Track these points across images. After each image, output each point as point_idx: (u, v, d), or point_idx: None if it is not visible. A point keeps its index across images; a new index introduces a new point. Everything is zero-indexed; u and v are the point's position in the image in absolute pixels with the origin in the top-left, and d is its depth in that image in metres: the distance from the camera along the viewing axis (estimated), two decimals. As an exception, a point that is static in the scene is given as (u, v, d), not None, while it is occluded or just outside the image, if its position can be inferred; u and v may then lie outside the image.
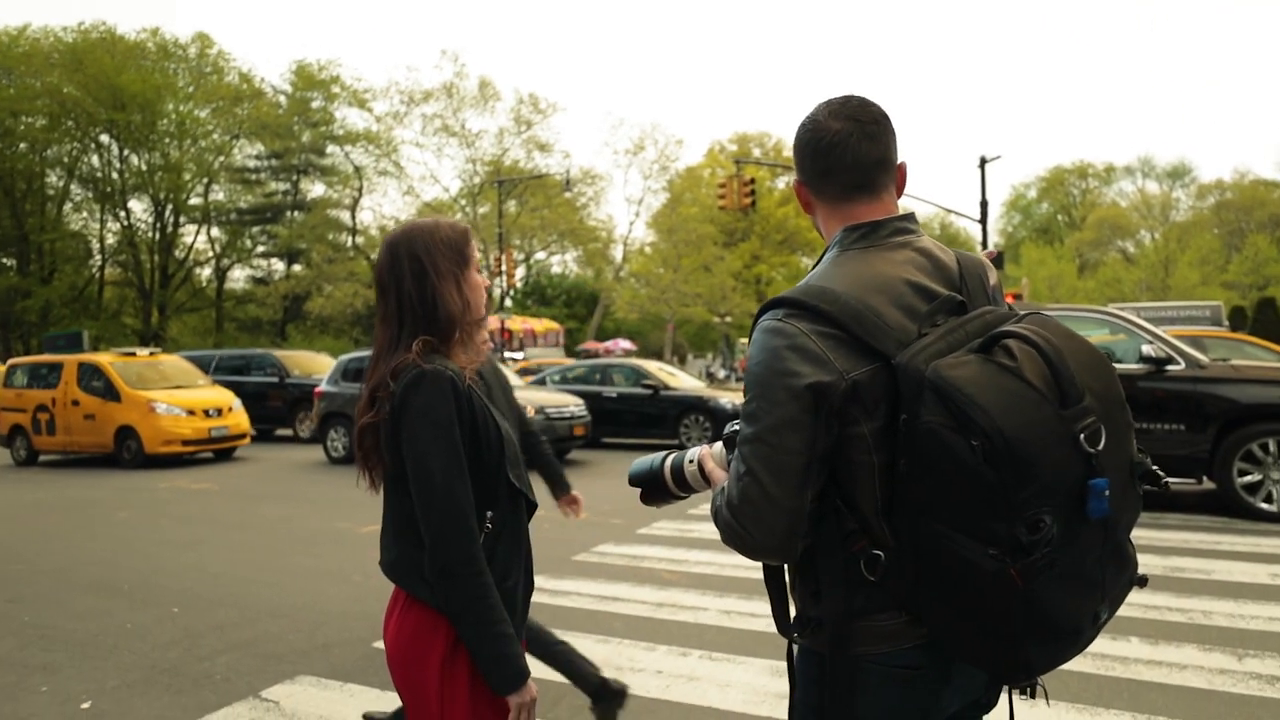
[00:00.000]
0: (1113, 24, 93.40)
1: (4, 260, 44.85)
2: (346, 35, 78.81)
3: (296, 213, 43.97)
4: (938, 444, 1.14)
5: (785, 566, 1.43)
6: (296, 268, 43.74)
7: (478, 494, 1.65)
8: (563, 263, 49.54)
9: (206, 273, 47.49)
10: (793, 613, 1.42)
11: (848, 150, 1.37)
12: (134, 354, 14.98)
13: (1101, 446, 1.15)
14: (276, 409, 16.68)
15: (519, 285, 43.59)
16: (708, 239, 40.23)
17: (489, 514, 1.67)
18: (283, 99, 43.72)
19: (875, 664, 1.28)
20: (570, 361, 21.01)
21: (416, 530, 1.62)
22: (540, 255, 46.69)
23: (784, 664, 4.04)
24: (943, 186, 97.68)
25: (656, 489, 1.58)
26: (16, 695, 3.96)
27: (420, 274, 1.68)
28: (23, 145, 43.23)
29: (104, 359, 14.14)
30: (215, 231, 46.17)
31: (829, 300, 1.26)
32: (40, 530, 8.18)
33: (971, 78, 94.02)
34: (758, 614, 4.84)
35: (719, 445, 1.53)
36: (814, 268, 1.41)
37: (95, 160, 44.30)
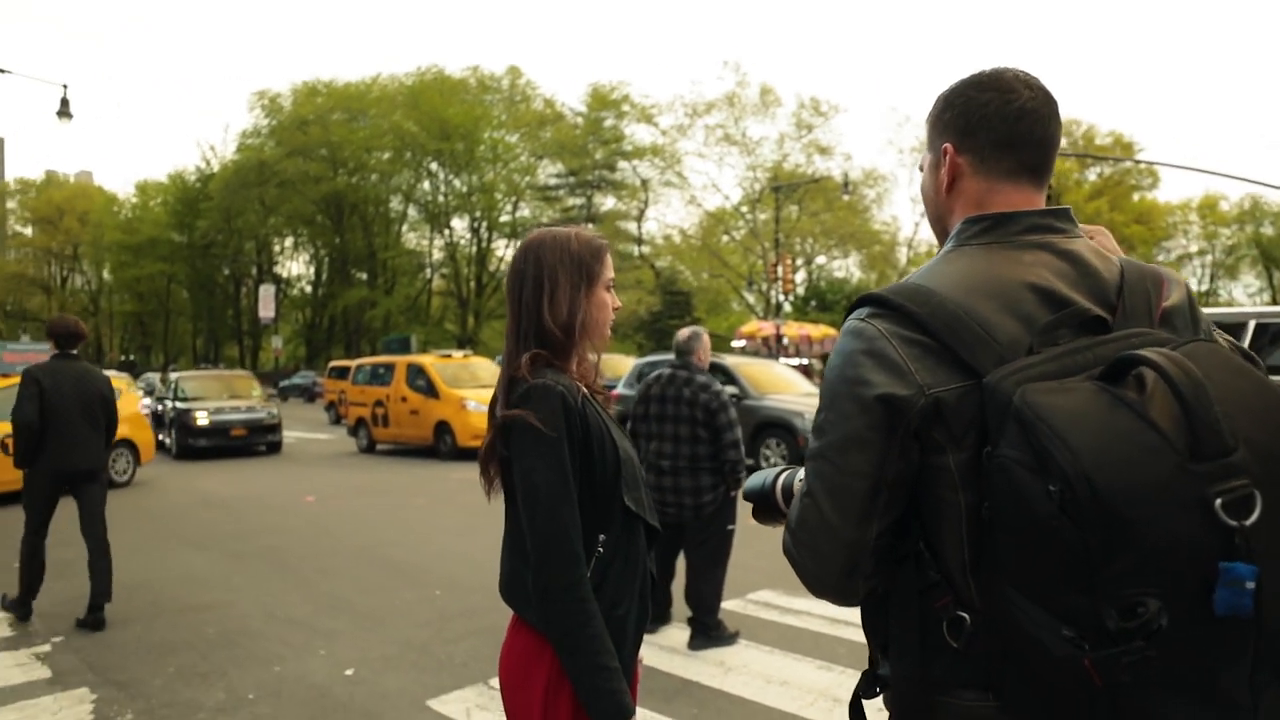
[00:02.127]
0: None
1: (359, 275, 52.82)
2: (637, 56, 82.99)
3: (590, 225, 47.01)
4: (1010, 485, 0.91)
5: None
6: (590, 277, 46.80)
7: (591, 516, 1.59)
8: (844, 267, 48.41)
9: (515, 283, 52.34)
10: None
11: (1038, 123, 1.14)
12: (450, 355, 16.77)
13: (1254, 519, 0.84)
14: None
15: (798, 291, 43.24)
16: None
17: (601, 537, 1.61)
18: (579, 120, 47.08)
19: None
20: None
21: (526, 548, 1.59)
22: (820, 260, 46.00)
23: None
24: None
25: (767, 507, 1.44)
26: (303, 655, 4.58)
27: (538, 283, 1.66)
28: (374, 177, 50.66)
29: (426, 360, 15.94)
30: (521, 245, 50.78)
31: (920, 301, 1.06)
32: (354, 511, 9.45)
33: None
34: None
35: None
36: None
37: (426, 185, 50.74)
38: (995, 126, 1.14)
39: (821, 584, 1.10)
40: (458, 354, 17.13)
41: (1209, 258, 54.21)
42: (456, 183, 49.42)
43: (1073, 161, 39.56)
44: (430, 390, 14.99)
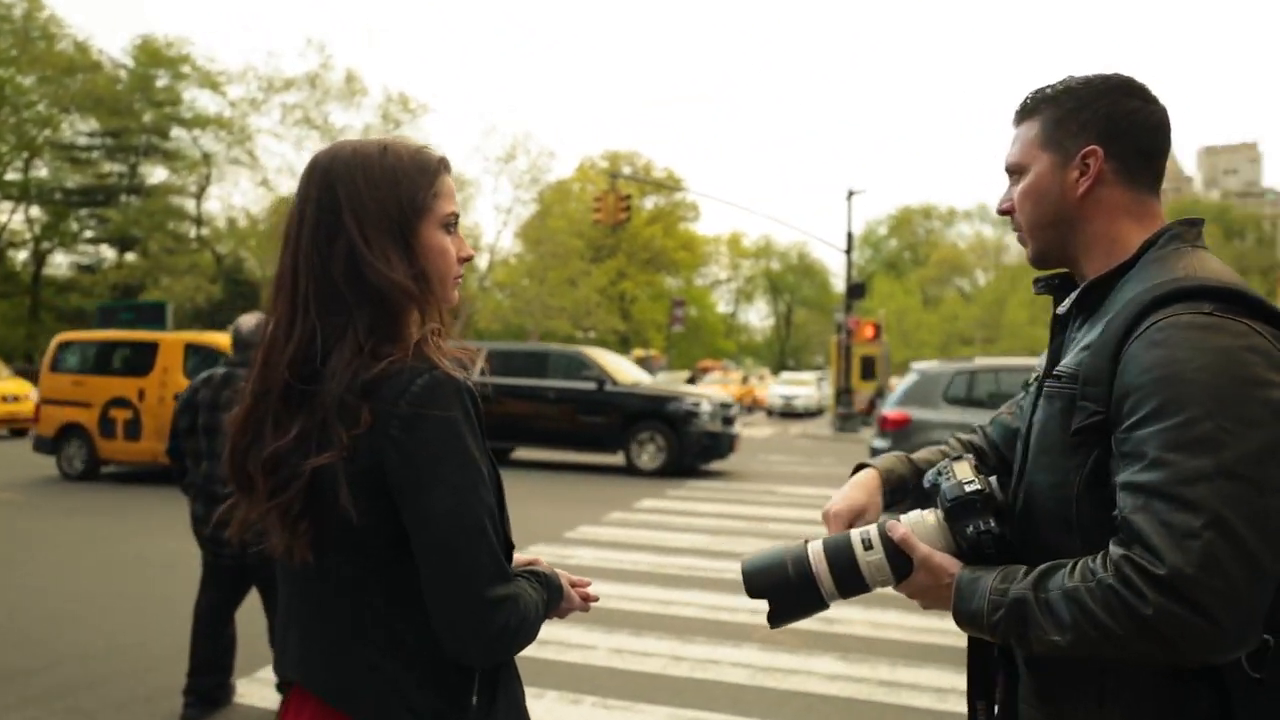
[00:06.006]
0: (963, 69, 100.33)
1: None
2: (198, 13, 73.97)
3: (133, 197, 40.58)
4: None
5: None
6: (130, 256, 40.37)
7: None
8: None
9: (22, 256, 43.00)
10: None
11: (1170, 136, 1.16)
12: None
13: None
14: (596, 427, 12.15)
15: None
16: (575, 253, 40.05)
17: None
18: (123, 74, 40.33)
19: None
20: None
21: (389, 625, 1.10)
22: (403, 260, 45.06)
23: (686, 712, 3.72)
24: (802, 218, 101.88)
25: (799, 594, 1.13)
26: None
27: (328, 226, 1.12)
28: None
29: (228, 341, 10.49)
30: (35, 211, 41.89)
31: (1259, 297, 1.00)
32: None
33: (835, 114, 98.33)
34: (650, 653, 4.51)
35: (919, 516, 1.13)
36: (1130, 266, 1.11)
37: (-109, 122, 39.40)
38: (1141, 136, 1.13)
39: (1229, 643, 0.90)
40: None
41: (734, 284, 64.18)
42: (-60, 124, 39.15)
43: (634, 188, 43.89)
44: None
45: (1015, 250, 68.00)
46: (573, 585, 1.35)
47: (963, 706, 4.12)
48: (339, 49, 75.60)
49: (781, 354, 65.73)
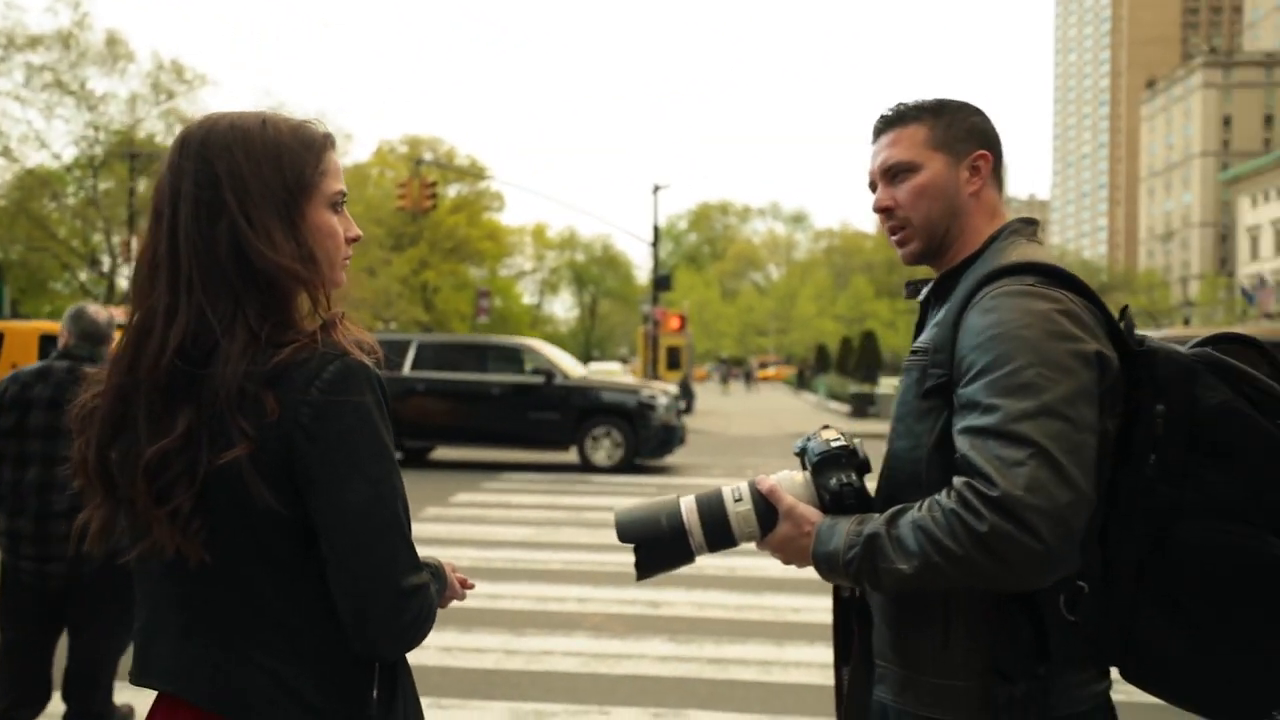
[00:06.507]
0: (765, 73, 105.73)
1: None
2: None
3: None
4: (1240, 425, 1.07)
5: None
6: None
7: None
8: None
9: None
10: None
11: None
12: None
13: None
14: (544, 424, 11.36)
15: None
16: (374, 242, 38.41)
17: None
18: None
19: None
20: None
21: (285, 623, 1.04)
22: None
23: (525, 705, 3.71)
24: (605, 211, 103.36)
25: (670, 546, 1.19)
26: None
27: (213, 204, 1.04)
28: None
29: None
30: None
31: (1075, 275, 1.17)
32: None
33: (637, 112, 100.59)
34: (482, 649, 4.44)
35: (789, 474, 1.20)
36: (976, 257, 1.27)
37: None
38: (999, 146, 1.32)
39: (1053, 560, 1.02)
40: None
41: (539, 275, 64.09)
42: None
43: (437, 175, 42.71)
44: None
45: (804, 247, 72.75)
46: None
47: (786, 676, 4.39)
48: (99, 7, 67.64)
49: (587, 345, 66.41)
